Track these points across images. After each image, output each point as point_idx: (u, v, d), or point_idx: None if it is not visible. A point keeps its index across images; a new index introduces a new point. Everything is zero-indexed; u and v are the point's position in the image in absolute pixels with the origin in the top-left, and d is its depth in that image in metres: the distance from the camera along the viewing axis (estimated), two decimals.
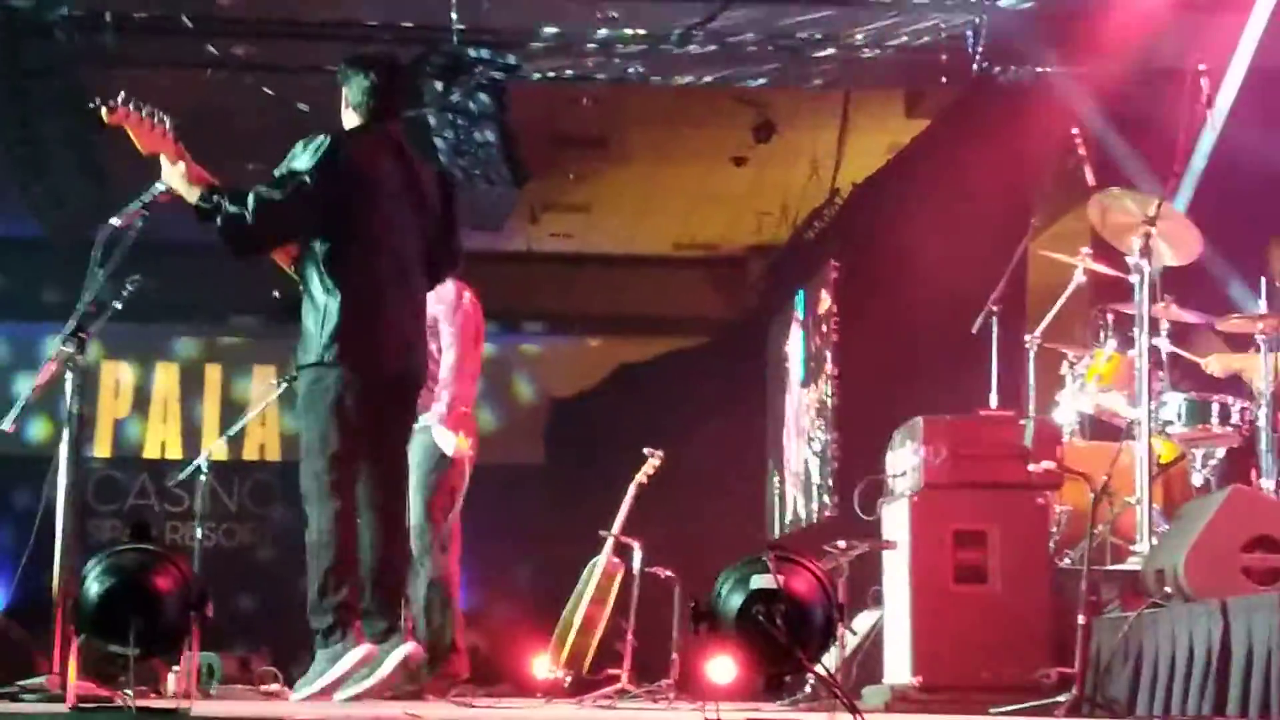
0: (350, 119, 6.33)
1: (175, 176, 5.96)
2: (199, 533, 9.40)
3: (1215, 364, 7.70)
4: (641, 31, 10.19)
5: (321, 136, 6.11)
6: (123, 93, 5.93)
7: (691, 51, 10.30)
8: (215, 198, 5.96)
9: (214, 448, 10.10)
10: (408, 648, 6.10)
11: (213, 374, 15.64)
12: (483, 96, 10.57)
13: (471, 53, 10.10)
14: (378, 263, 6.14)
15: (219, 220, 5.97)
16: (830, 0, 9.89)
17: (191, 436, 15.32)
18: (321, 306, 6.05)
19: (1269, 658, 5.24)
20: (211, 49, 10.09)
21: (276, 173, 6.09)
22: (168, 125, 5.98)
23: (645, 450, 8.77)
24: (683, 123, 12.04)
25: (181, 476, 9.59)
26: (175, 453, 15.30)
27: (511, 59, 10.25)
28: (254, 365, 15.43)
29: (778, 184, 13.11)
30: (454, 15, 9.84)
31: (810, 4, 9.91)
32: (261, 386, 14.80)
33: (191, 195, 5.98)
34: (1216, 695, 5.47)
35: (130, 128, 5.95)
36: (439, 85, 10.16)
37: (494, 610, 12.85)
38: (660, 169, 13.11)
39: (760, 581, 4.86)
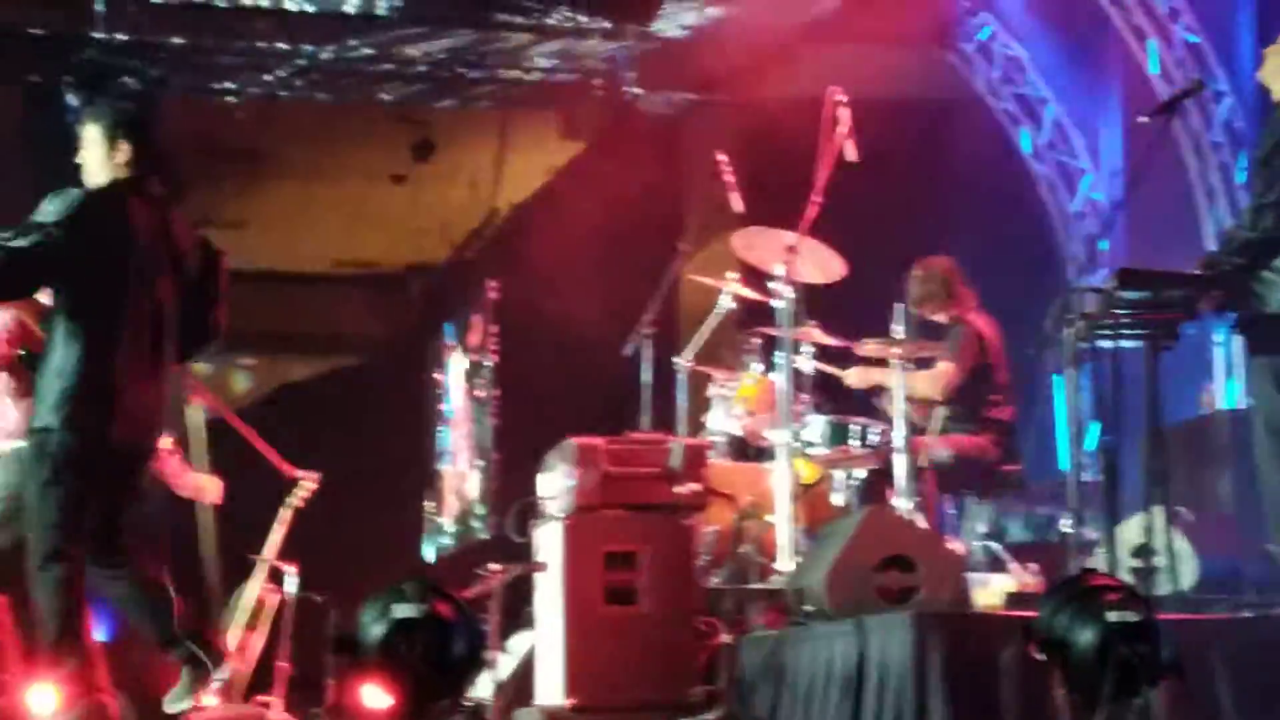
0: (102, 174, 6.00)
1: None
2: None
3: (854, 377, 7.89)
4: (296, 48, 10.07)
5: (75, 191, 5.82)
6: None
7: (348, 69, 10.23)
8: None
9: None
10: None
11: None
12: (130, 107, 10.28)
13: (114, 63, 9.82)
14: (122, 327, 5.85)
15: None
16: (486, 23, 9.93)
17: None
18: (55, 368, 5.77)
19: (901, 674, 5.43)
20: None
21: (24, 223, 5.74)
22: None
23: (299, 474, 8.63)
24: (341, 138, 11.93)
25: None
26: None
27: (157, 71, 10.00)
28: None
29: (437, 203, 13.10)
30: (99, 23, 9.57)
31: (467, 26, 9.94)
32: None
33: None
34: (853, 712, 5.64)
35: None
36: (82, 93, 9.84)
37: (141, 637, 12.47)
38: (318, 185, 12.96)
39: (402, 611, 4.84)
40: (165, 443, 7.96)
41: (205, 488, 7.94)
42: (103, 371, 5.82)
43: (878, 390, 7.79)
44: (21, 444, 7.14)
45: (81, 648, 5.79)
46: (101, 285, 5.84)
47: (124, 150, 5.99)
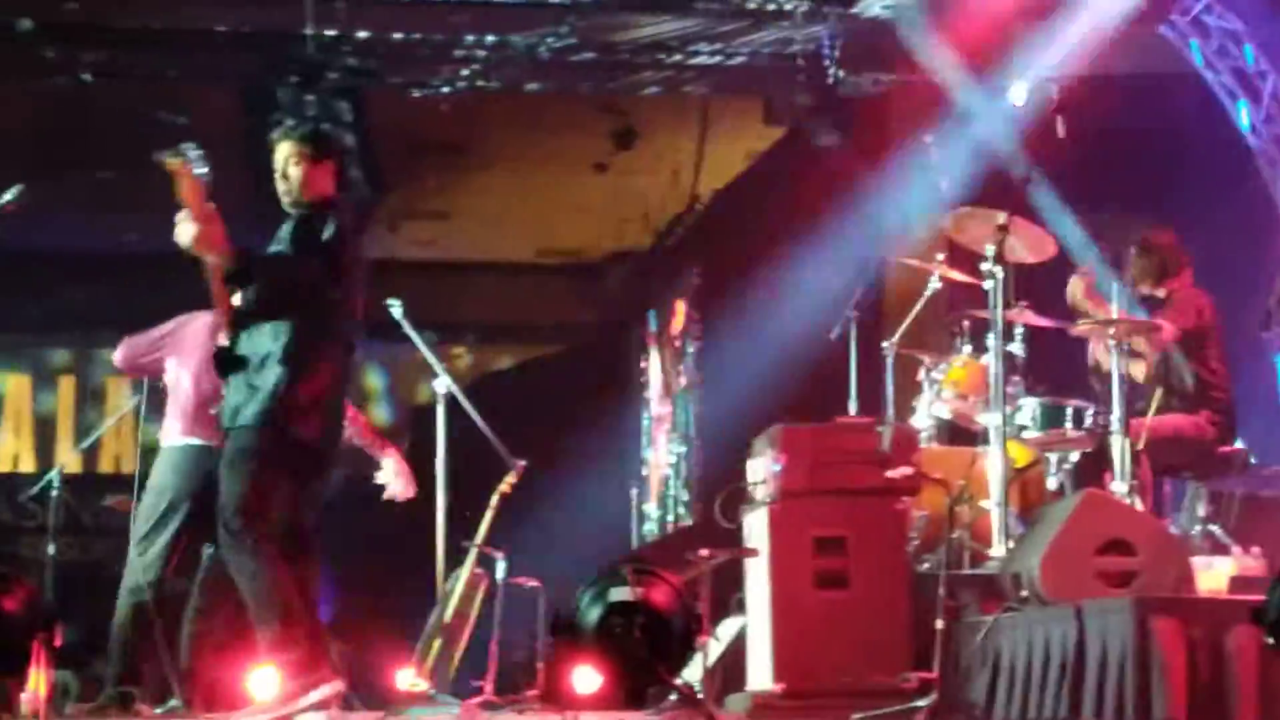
0: (306, 189, 6.20)
1: (204, 239, 5.88)
2: (52, 549, 9.19)
3: (1078, 285, 7.60)
4: (500, 38, 10.16)
5: (327, 217, 6.06)
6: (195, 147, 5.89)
7: (549, 59, 10.28)
8: (250, 269, 5.95)
9: (67, 460, 9.90)
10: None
11: (66, 385, 15.33)
12: (340, 103, 10.48)
13: (327, 59, 10.01)
14: (340, 338, 6.15)
15: (259, 288, 5.96)
16: (688, 9, 9.92)
17: (45, 449, 15.01)
18: (277, 369, 5.98)
19: (1122, 660, 5.33)
20: (56, 57, 9.89)
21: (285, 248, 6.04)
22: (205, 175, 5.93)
23: (508, 460, 8.71)
24: (543, 129, 12.00)
25: (33, 491, 9.38)
26: (28, 466, 14.97)
27: (368, 65, 10.17)
28: (108, 377, 15.14)
29: (638, 191, 13.12)
30: (309, 22, 9.75)
31: (668, 11, 9.94)
32: (116, 398, 14.54)
33: (219, 258, 5.90)
34: (1072, 697, 5.54)
35: (181, 179, 5.89)
36: (294, 91, 10.05)
37: (357, 622, 12.71)
38: (521, 175, 13.05)
39: (619, 594, 4.87)
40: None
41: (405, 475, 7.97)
42: (322, 377, 6.07)
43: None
44: (188, 443, 7.41)
45: (305, 628, 5.97)
46: (338, 299, 6.09)
47: (329, 165, 6.22)
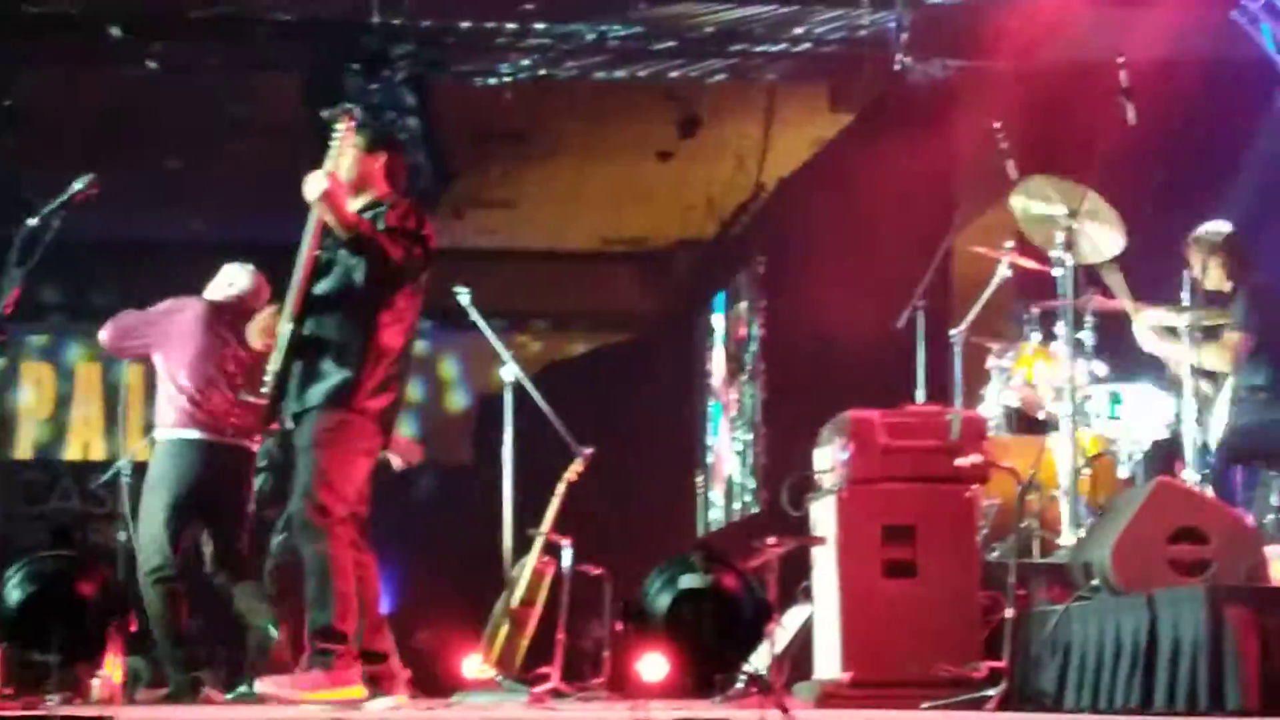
0: (381, 187, 6.33)
1: (330, 197, 5.99)
2: (122, 535, 9.28)
3: (1144, 324, 7.57)
4: (563, 27, 10.17)
5: (410, 204, 6.27)
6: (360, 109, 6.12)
7: (614, 46, 10.28)
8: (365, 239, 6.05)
9: (137, 449, 9.98)
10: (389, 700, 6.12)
11: (135, 374, 15.42)
12: (404, 92, 10.51)
13: (392, 48, 10.05)
14: (413, 329, 6.31)
15: (366, 260, 6.06)
16: None
17: (115, 437, 15.12)
18: (358, 355, 6.10)
19: (1195, 649, 5.29)
20: (123, 47, 9.96)
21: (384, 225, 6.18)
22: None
23: (574, 448, 8.73)
24: (607, 117, 12.00)
25: (104, 479, 9.49)
26: (99, 453, 15.10)
27: (433, 54, 10.20)
28: None
29: (703, 178, 13.10)
30: (375, 10, 9.79)
31: None
32: None
33: (337, 221, 6.01)
34: (1144, 687, 5.51)
35: (342, 139, 6.09)
36: (360, 80, 10.09)
37: (425, 611, 12.79)
38: (585, 163, 13.06)
39: (689, 581, 4.86)
40: None
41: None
42: (397, 364, 6.21)
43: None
44: (182, 435, 7.47)
45: (354, 625, 6.05)
46: (418, 290, 6.28)
47: (379, 158, 6.31)
